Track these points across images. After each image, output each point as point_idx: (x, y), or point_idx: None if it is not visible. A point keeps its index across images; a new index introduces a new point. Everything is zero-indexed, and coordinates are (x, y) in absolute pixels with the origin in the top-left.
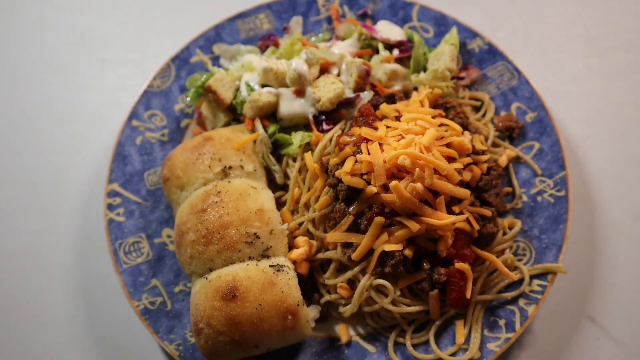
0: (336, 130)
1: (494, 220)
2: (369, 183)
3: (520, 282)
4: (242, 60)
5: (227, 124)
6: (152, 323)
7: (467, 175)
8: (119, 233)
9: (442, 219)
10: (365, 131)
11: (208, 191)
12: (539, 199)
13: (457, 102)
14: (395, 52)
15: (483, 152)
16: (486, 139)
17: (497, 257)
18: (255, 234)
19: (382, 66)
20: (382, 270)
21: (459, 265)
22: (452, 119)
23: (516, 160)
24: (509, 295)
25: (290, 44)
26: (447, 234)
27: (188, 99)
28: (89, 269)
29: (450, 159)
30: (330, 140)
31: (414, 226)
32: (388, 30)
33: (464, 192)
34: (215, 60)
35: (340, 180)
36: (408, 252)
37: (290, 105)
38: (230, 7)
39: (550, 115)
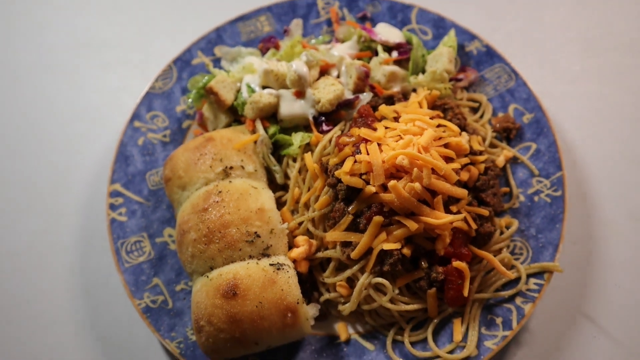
0: (336, 131)
1: (492, 220)
2: (367, 183)
3: (517, 280)
4: (243, 62)
5: (228, 125)
6: (153, 321)
7: (464, 175)
8: (121, 232)
9: (440, 218)
10: (364, 132)
11: (209, 191)
12: (536, 198)
13: (455, 104)
14: (394, 54)
15: (481, 153)
16: (484, 139)
17: (495, 256)
18: (255, 233)
19: (381, 68)
20: (381, 268)
21: (456, 264)
22: (450, 120)
23: (513, 161)
24: (506, 293)
25: (290, 46)
26: (445, 233)
27: (190, 100)
28: (90, 269)
29: (448, 159)
30: (330, 140)
31: (412, 225)
32: (387, 32)
33: (462, 192)
34: (217, 62)
35: (339, 180)
36: (406, 251)
37: (291, 107)
38: (231, 10)
39: (547, 117)
